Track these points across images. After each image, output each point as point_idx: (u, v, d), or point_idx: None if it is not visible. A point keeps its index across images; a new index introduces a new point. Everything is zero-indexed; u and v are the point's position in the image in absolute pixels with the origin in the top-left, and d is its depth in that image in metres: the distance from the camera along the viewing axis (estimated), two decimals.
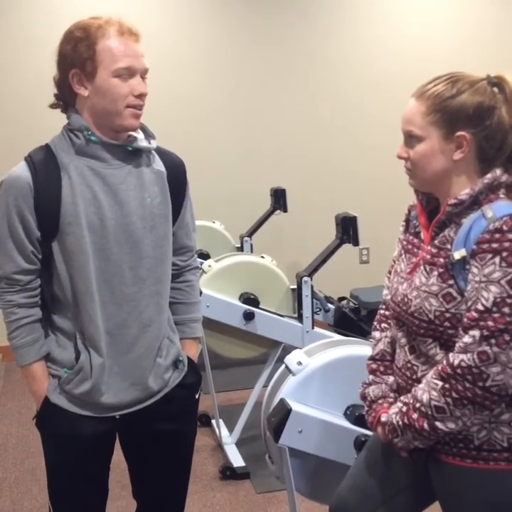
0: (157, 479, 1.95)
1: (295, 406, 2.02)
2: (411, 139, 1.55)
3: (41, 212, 1.69)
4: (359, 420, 2.06)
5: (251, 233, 4.57)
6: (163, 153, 1.85)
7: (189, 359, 1.94)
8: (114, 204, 1.72)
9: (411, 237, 1.67)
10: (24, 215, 1.69)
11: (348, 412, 2.10)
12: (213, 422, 3.56)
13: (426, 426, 1.50)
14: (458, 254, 1.47)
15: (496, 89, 1.52)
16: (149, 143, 1.78)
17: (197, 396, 1.96)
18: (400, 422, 1.55)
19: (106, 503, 1.95)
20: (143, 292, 1.77)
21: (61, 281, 1.74)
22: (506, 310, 1.40)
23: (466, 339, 1.44)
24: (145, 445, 1.91)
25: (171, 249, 1.85)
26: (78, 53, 1.66)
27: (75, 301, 1.74)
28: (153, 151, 1.81)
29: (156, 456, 1.91)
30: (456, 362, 1.45)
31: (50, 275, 1.76)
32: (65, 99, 1.74)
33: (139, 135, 1.77)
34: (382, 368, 1.75)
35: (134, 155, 1.76)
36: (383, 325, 1.79)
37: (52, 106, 1.77)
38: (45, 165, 1.70)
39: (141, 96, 1.69)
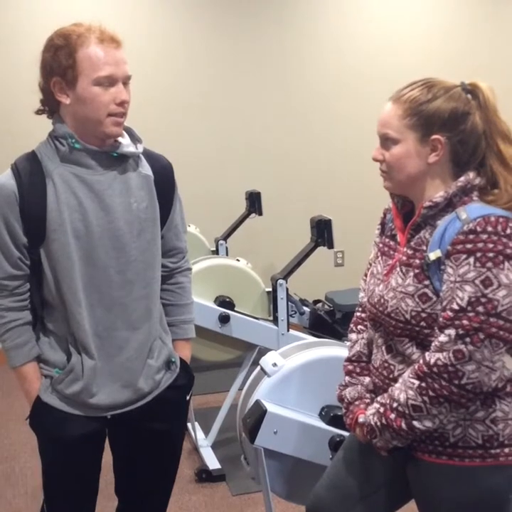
0: (143, 478, 1.96)
1: (270, 407, 2.03)
2: (387, 141, 1.57)
3: (27, 219, 1.70)
4: (334, 421, 2.07)
5: (226, 236, 4.56)
6: (150, 157, 1.85)
7: (182, 360, 1.94)
8: (99, 210, 1.72)
9: (387, 240, 1.70)
10: (10, 222, 1.70)
11: (323, 413, 2.11)
12: (189, 424, 3.55)
13: (403, 425, 1.52)
14: (433, 255, 1.50)
15: (469, 96, 1.56)
16: (136, 147, 1.78)
17: (188, 397, 1.97)
18: (378, 423, 1.57)
19: (96, 503, 1.95)
20: (132, 296, 1.78)
21: (49, 286, 1.76)
22: (481, 309, 1.43)
23: (442, 338, 1.47)
24: (134, 444, 1.92)
25: (160, 252, 1.85)
26: (58, 62, 1.66)
27: (63, 305, 1.75)
28: (140, 155, 1.81)
29: (145, 456, 1.92)
30: (432, 361, 1.48)
31: (40, 280, 1.78)
32: (50, 106, 1.75)
33: (125, 140, 1.77)
34: (358, 369, 1.77)
35: (120, 160, 1.76)
36: (359, 327, 1.81)
37: (38, 112, 1.77)
38: (30, 172, 1.71)
39: (122, 103, 1.69)
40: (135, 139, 1.80)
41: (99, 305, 1.75)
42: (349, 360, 1.80)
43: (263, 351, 2.60)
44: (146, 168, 1.81)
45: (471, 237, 1.45)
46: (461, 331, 1.44)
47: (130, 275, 1.77)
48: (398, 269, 1.59)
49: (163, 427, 1.89)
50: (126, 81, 1.71)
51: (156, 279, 1.85)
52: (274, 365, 2.09)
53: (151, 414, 1.86)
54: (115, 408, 1.81)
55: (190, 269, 2.01)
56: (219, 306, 3.35)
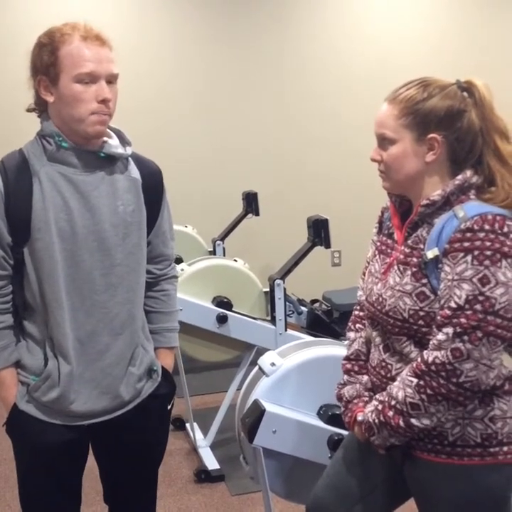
0: (126, 486, 1.94)
1: (269, 406, 2.03)
2: (384, 141, 1.58)
3: (12, 217, 1.67)
4: (332, 420, 2.08)
5: (223, 237, 4.58)
6: (139, 161, 1.83)
7: (164, 369, 1.91)
8: (85, 211, 1.70)
9: (385, 238, 1.70)
10: None
11: (321, 412, 2.12)
12: (187, 425, 3.56)
13: (401, 423, 1.52)
14: (431, 253, 1.50)
15: (465, 94, 1.56)
16: (125, 149, 1.76)
17: (169, 407, 1.94)
18: (376, 420, 1.58)
19: (79, 511, 1.93)
20: (115, 300, 1.75)
21: (31, 287, 1.73)
22: (478, 307, 1.43)
23: (440, 336, 1.47)
24: (115, 453, 1.89)
25: (145, 257, 1.83)
26: (41, 59, 1.65)
27: (44, 307, 1.72)
28: (129, 158, 1.79)
29: (126, 464, 1.90)
30: (430, 359, 1.48)
31: (22, 281, 1.75)
32: (40, 105, 1.73)
33: (113, 141, 1.74)
34: (356, 368, 1.77)
35: (107, 162, 1.73)
36: (358, 325, 1.81)
37: (29, 110, 1.75)
38: (17, 170, 1.69)
39: (104, 102, 1.65)
40: (125, 141, 1.78)
41: (81, 308, 1.72)
42: (347, 358, 1.80)
43: (261, 351, 2.61)
44: (134, 172, 1.79)
45: (468, 235, 1.45)
46: (458, 329, 1.45)
47: (114, 279, 1.74)
48: (396, 267, 1.60)
49: (143, 437, 1.86)
50: (110, 79, 1.67)
51: (140, 285, 1.82)
52: (272, 364, 2.10)
53: (131, 424, 1.83)
54: (93, 416, 1.78)
55: (176, 276, 1.97)
56: (217, 306, 3.36)
